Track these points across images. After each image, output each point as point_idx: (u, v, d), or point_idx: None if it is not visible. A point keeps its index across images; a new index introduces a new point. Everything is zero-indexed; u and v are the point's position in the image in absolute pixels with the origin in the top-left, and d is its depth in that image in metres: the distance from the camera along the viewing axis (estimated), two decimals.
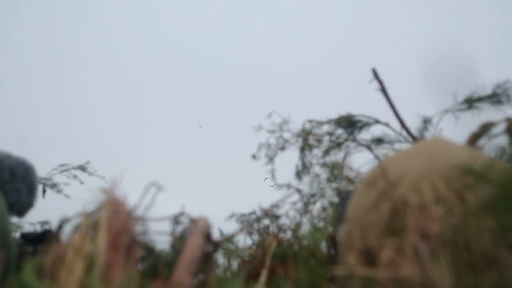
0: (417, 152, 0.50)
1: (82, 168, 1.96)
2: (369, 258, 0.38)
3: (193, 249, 0.46)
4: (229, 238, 0.59)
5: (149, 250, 0.50)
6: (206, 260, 0.48)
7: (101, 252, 0.39)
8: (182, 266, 0.42)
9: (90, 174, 2.06)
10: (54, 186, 1.85)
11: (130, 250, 0.42)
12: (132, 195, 0.49)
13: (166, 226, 0.58)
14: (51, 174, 1.96)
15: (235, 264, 0.66)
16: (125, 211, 0.44)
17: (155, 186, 0.50)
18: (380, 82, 1.34)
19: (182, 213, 0.58)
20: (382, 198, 0.42)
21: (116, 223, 0.42)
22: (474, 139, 0.60)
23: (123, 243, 0.41)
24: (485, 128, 0.60)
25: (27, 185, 1.02)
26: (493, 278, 0.32)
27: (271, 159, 1.38)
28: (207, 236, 0.52)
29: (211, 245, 0.52)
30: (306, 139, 1.24)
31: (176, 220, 0.57)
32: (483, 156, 0.47)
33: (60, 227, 0.45)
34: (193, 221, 0.54)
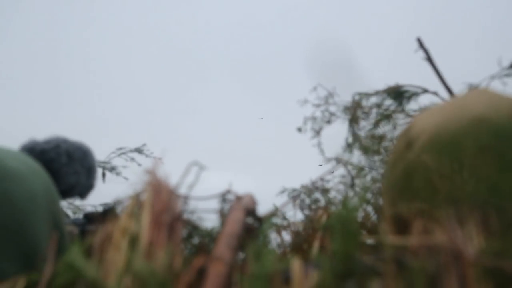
0: (446, 105, 0.47)
1: (139, 150, 2.08)
2: (401, 226, 0.38)
3: (234, 224, 0.48)
4: (276, 213, 0.60)
5: (194, 228, 0.52)
6: (249, 235, 0.50)
7: (144, 231, 0.42)
8: (222, 241, 0.44)
9: (147, 156, 2.16)
10: (112, 169, 1.98)
11: (173, 228, 0.45)
12: (180, 175, 0.52)
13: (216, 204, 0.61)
14: (109, 157, 2.09)
15: (287, 238, 0.68)
16: (167, 190, 0.47)
17: (198, 165, 0.52)
18: (426, 51, 1.26)
19: (229, 191, 0.59)
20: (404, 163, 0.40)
21: (158, 202, 0.45)
22: None
23: (165, 222, 0.44)
24: None
25: (85, 168, 1.06)
26: None
27: (317, 133, 1.36)
28: (251, 212, 0.53)
29: (255, 221, 0.53)
30: (355, 112, 1.18)
31: (223, 197, 0.59)
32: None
33: (112, 208, 0.49)
34: (238, 198, 0.56)
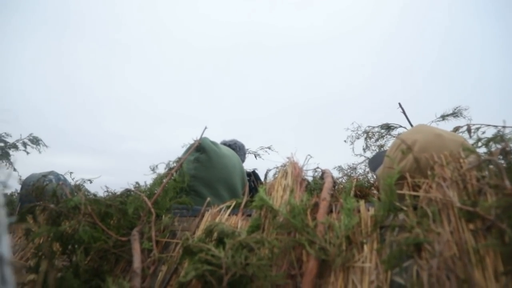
0: (421, 130, 0.95)
1: (255, 154, 2.62)
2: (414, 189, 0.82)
3: (328, 183, 0.94)
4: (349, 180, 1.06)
5: (309, 183, 1.00)
6: (333, 188, 0.95)
7: (290, 184, 0.90)
8: (325, 190, 0.91)
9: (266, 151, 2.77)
10: (257, 155, 2.56)
11: (301, 183, 0.93)
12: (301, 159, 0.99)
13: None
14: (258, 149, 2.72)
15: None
16: (298, 166, 0.95)
17: (308, 155, 0.99)
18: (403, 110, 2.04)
19: (317, 167, 1.07)
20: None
21: (295, 172, 0.93)
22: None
23: (298, 180, 0.92)
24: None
25: (243, 153, 2.04)
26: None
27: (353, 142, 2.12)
28: (332, 177, 0.99)
29: (334, 182, 0.99)
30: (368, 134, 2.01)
31: (315, 170, 1.07)
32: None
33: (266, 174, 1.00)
34: (323, 170, 1.02)
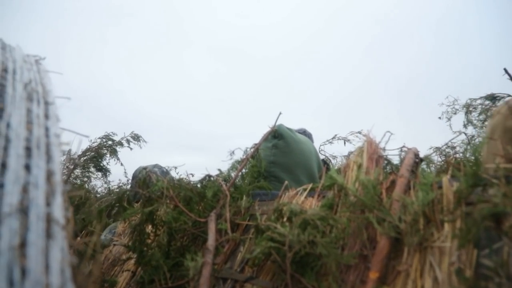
0: None
1: (346, 140, 2.56)
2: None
3: (408, 159, 0.88)
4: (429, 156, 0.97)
5: (388, 161, 0.94)
6: (416, 165, 0.89)
7: (364, 162, 0.87)
8: (403, 167, 0.85)
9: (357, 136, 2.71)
10: (347, 140, 2.50)
11: (378, 161, 0.89)
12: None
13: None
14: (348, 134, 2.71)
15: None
16: (374, 143, 0.91)
17: (388, 131, 0.94)
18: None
19: (403, 146, 1.00)
20: None
21: (370, 149, 0.89)
22: None
23: (374, 158, 0.88)
24: None
25: (311, 139, 1.92)
26: None
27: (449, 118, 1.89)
28: (416, 155, 0.92)
29: (418, 159, 0.92)
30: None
31: (401, 150, 1.00)
32: None
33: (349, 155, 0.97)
34: (408, 149, 0.96)
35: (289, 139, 1.26)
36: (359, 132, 2.19)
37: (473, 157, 0.76)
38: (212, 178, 1.00)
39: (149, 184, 0.94)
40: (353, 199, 0.80)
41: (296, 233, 0.69)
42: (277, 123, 1.23)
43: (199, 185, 0.97)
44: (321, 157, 2.27)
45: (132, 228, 0.87)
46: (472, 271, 0.62)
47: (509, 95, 1.85)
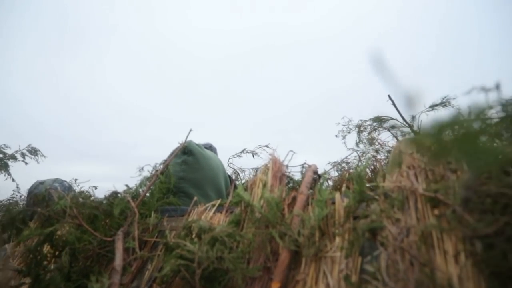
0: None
1: (254, 153, 2.67)
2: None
3: (308, 177, 0.98)
4: (325, 173, 1.09)
5: (290, 179, 1.03)
6: (315, 182, 0.99)
7: (269, 180, 0.94)
8: (303, 184, 0.95)
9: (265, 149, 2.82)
10: (255, 154, 2.59)
11: (281, 179, 0.97)
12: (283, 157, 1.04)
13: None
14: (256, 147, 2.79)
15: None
16: (279, 162, 0.99)
17: (291, 151, 1.03)
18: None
19: (304, 163, 1.10)
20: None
21: (275, 167, 0.97)
22: None
23: (278, 176, 0.96)
24: None
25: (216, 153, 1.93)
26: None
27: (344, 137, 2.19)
28: (315, 172, 1.03)
29: (317, 176, 1.03)
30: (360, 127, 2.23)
31: (302, 166, 1.10)
32: None
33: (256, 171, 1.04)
34: (309, 165, 1.06)
35: (198, 155, 1.29)
36: (267, 146, 2.33)
37: (358, 177, 0.87)
38: (119, 195, 0.98)
39: (49, 202, 0.89)
40: (258, 215, 0.86)
41: (205, 249, 0.72)
42: (187, 140, 1.26)
43: (104, 202, 0.95)
44: (230, 170, 2.34)
45: (28, 251, 0.82)
46: (357, 276, 0.72)
47: (391, 118, 2.14)
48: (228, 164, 2.36)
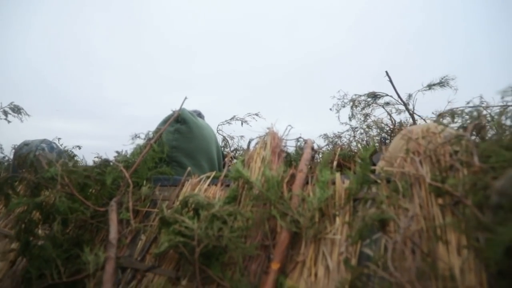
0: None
1: (244, 121, 2.56)
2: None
3: (307, 154, 0.95)
4: (321, 149, 1.07)
5: (288, 154, 1.00)
6: (312, 159, 0.96)
7: (268, 155, 0.91)
8: (302, 162, 0.92)
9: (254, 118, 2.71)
10: (245, 121, 2.50)
11: (279, 154, 0.93)
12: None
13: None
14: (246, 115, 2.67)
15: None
16: (277, 137, 0.95)
17: (289, 125, 0.99)
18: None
19: (300, 137, 1.07)
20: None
21: (273, 143, 0.93)
22: None
23: (276, 151, 0.93)
24: None
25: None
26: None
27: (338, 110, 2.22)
28: (312, 148, 1.00)
29: (314, 152, 1.00)
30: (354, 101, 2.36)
31: (297, 140, 1.07)
32: None
33: (249, 143, 0.99)
34: (305, 140, 1.02)
35: (191, 124, 1.25)
36: (256, 114, 2.27)
37: (361, 160, 0.85)
38: (111, 163, 0.93)
39: (37, 168, 0.84)
40: (257, 193, 0.83)
41: (204, 227, 0.69)
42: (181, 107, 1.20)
43: (96, 170, 0.89)
44: (219, 137, 2.28)
45: (17, 218, 0.77)
46: (356, 260, 0.71)
47: (387, 95, 2.11)
48: (218, 131, 2.30)
